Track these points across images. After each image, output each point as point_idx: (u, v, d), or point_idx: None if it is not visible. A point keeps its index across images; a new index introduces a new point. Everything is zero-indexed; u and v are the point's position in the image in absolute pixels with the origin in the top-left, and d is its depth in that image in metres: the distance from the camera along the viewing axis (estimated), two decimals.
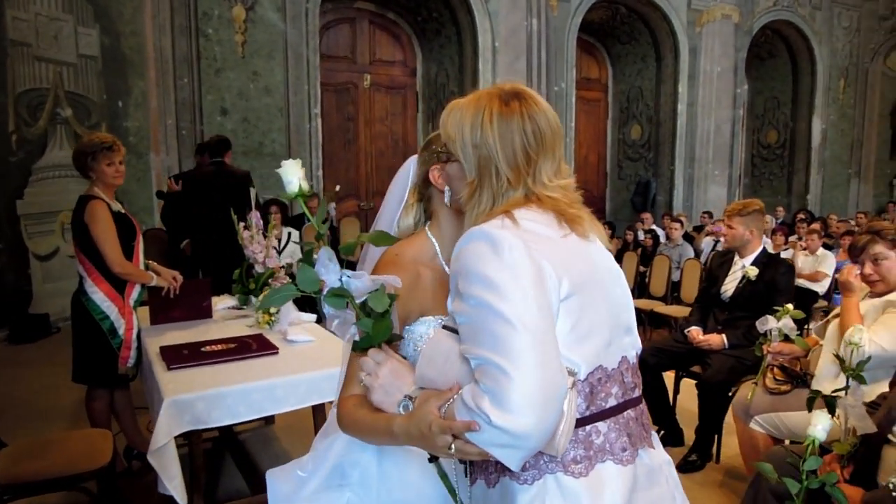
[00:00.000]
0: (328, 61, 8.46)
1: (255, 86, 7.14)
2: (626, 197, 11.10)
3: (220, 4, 6.89)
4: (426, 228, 1.41)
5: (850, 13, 12.19)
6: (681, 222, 7.48)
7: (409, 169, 1.48)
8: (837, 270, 7.04)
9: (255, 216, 3.39)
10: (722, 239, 5.22)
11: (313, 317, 3.07)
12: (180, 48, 6.71)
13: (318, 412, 2.59)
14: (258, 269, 3.34)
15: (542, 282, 0.95)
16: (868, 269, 2.33)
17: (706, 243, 7.83)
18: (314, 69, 7.48)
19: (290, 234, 5.80)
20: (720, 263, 3.44)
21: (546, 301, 0.94)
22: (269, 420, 3.62)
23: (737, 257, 3.30)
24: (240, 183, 4.82)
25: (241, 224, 3.41)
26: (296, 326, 2.80)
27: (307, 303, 5.38)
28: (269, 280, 3.28)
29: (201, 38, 6.82)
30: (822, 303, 6.50)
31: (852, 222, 9.27)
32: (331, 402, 2.52)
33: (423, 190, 1.40)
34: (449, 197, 1.29)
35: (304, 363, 2.45)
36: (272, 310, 2.90)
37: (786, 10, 11.24)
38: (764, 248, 3.25)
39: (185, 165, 6.84)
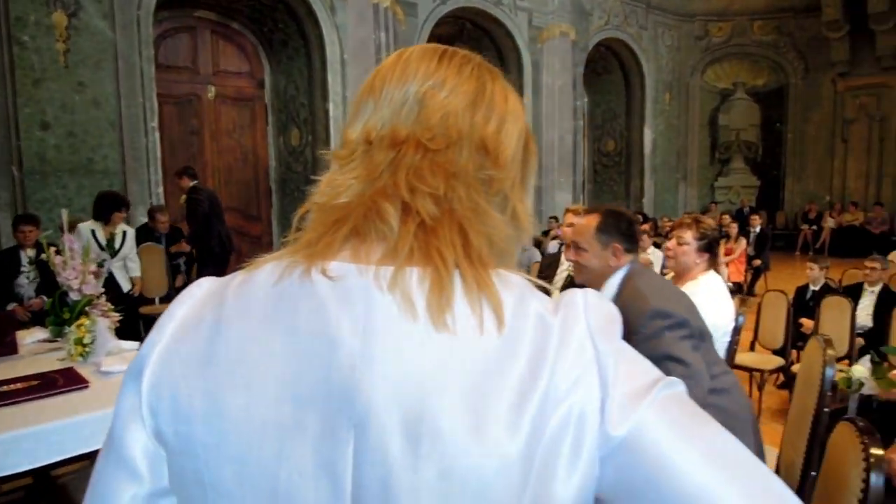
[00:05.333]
0: (167, 72, 8.03)
1: (82, 97, 6.60)
2: None
3: (38, 10, 6.31)
4: None
5: (671, 33, 13.48)
6: None
7: None
8: (664, 266, 7.76)
9: (67, 240, 3.13)
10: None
11: (136, 344, 2.89)
12: None
13: None
14: (73, 296, 3.09)
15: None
16: (672, 244, 2.58)
17: (552, 246, 8.29)
18: (149, 80, 7.06)
19: (125, 232, 5.43)
20: (549, 263, 3.67)
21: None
22: (95, 458, 3.35)
23: (563, 257, 3.53)
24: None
25: (52, 248, 3.14)
26: (113, 356, 2.62)
27: (130, 329, 5.05)
28: (87, 308, 3.04)
29: (15, 46, 6.20)
30: None
31: None
32: None
33: None
34: None
35: None
36: (86, 340, 2.70)
37: (616, 30, 12.20)
38: None
39: (0, 182, 6.20)
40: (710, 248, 2.46)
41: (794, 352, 5.30)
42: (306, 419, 0.53)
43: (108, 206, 5.29)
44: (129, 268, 5.52)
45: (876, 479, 1.07)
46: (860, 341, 4.89)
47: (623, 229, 2.00)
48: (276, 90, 9.04)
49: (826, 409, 1.66)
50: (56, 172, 6.52)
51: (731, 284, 8.95)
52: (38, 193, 6.41)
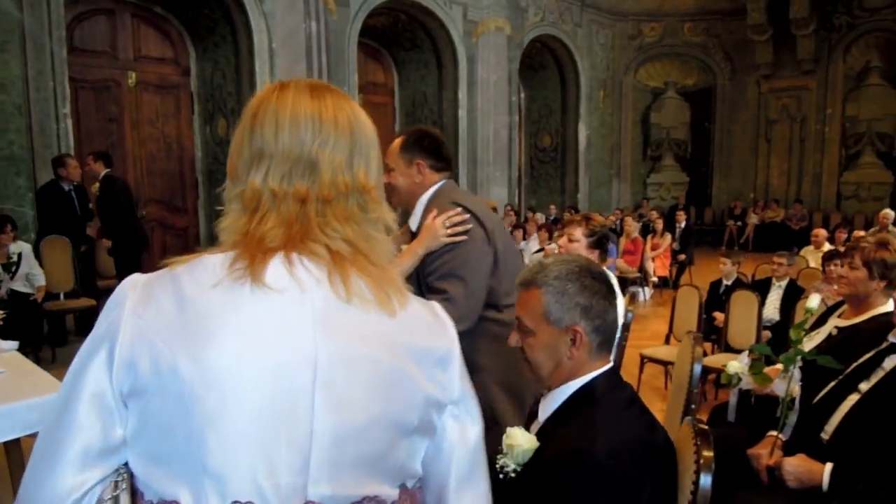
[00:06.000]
0: (83, 56, 7.66)
1: None
2: None
3: None
4: None
5: (605, 31, 13.70)
6: None
7: None
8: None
9: None
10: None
11: (14, 344, 2.73)
12: None
13: (13, 449, 2.32)
14: None
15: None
16: (563, 242, 2.61)
17: None
18: (60, 63, 6.70)
19: (20, 253, 5.13)
20: None
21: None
22: None
23: None
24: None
25: None
26: None
27: (34, 327, 4.80)
28: None
29: None
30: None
31: (611, 218, 10.45)
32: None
33: None
34: None
35: None
36: None
37: (551, 26, 12.32)
38: None
39: None
40: (600, 244, 2.49)
41: (707, 344, 5.50)
42: (273, 381, 0.73)
43: None
44: (33, 280, 5.24)
45: (704, 480, 1.08)
46: (767, 334, 5.08)
47: (426, 146, 1.98)
48: (203, 78, 8.75)
49: (693, 407, 1.69)
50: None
51: (656, 278, 9.21)
52: None
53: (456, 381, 0.85)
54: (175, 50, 8.61)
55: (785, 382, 1.88)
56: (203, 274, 0.76)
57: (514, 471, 1.24)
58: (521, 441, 1.23)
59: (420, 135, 2.00)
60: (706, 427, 1.18)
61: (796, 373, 1.90)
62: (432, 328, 0.85)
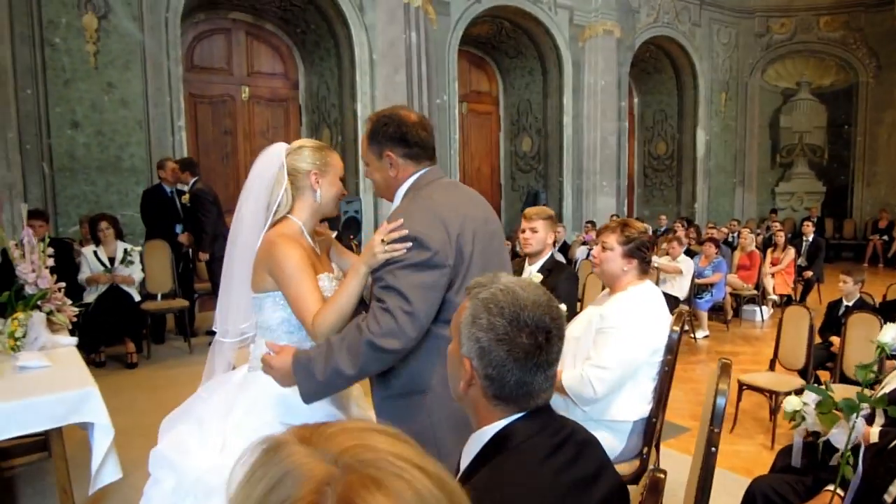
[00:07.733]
0: (202, 73, 8.22)
1: (110, 97, 6.82)
2: (520, 208, 11.21)
3: (69, 13, 6.55)
4: (289, 215, 1.79)
5: (728, 30, 12.80)
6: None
7: (281, 155, 1.79)
8: (699, 276, 7.32)
9: (26, 233, 3.16)
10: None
11: (73, 340, 2.88)
12: (22, 58, 6.32)
13: (56, 441, 2.44)
14: (28, 290, 3.11)
15: None
16: (597, 251, 2.36)
17: (580, 252, 7.99)
18: (176, 80, 7.22)
19: (126, 250, 5.53)
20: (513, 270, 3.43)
21: None
22: (51, 452, 3.38)
23: (526, 263, 3.31)
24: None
25: (13, 242, 3.18)
26: (31, 353, 2.60)
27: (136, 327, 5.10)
28: (40, 302, 3.06)
29: (47, 48, 6.46)
30: (683, 307, 6.69)
31: (724, 230, 9.67)
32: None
33: (296, 181, 1.78)
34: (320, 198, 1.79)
35: (25, 390, 2.28)
36: (18, 334, 2.70)
37: (666, 27, 11.68)
38: (552, 254, 3.28)
39: (31, 182, 6.44)
40: (637, 252, 2.21)
41: (824, 373, 4.86)
42: None
43: (91, 228, 5.72)
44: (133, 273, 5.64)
45: None
46: (893, 364, 4.41)
47: (391, 133, 1.70)
48: (310, 91, 9.11)
49: (714, 449, 1.40)
50: (85, 170, 6.75)
51: (777, 297, 8.37)
52: (67, 190, 6.66)
53: None
54: (285, 65, 9.04)
55: (844, 433, 1.53)
56: None
57: None
58: None
59: (383, 121, 1.73)
60: (662, 475, 0.95)
61: (859, 422, 1.54)
62: None
